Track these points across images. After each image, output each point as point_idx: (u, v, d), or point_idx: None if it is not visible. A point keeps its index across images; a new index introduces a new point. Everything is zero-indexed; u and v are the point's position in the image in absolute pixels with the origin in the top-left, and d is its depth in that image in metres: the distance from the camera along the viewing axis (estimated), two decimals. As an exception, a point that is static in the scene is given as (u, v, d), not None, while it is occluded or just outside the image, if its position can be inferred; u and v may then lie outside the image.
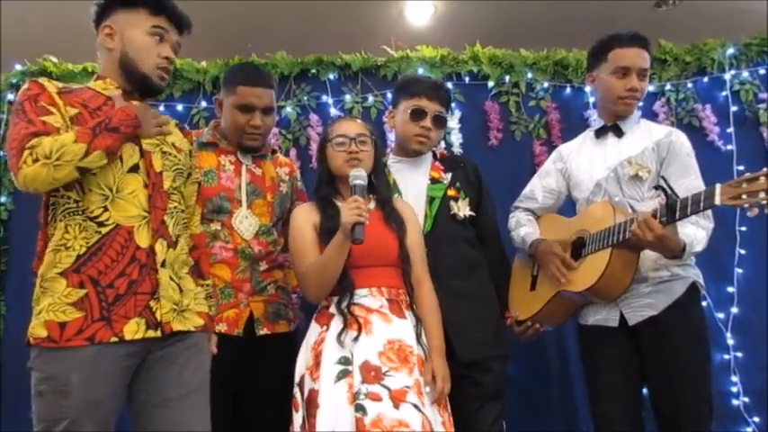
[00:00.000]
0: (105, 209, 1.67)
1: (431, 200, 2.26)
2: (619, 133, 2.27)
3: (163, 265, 1.71)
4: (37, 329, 1.62)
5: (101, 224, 1.66)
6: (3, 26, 4.05)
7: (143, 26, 1.76)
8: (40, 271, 1.68)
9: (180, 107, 3.17)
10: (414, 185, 2.30)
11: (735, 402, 2.94)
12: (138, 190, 1.71)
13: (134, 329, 1.63)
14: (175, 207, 1.81)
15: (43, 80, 1.73)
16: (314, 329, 1.94)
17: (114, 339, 1.61)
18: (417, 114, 2.27)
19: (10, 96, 3.16)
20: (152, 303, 1.67)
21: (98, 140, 1.60)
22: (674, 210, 1.88)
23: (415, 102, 2.29)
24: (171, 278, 1.73)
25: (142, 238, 1.69)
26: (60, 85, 1.75)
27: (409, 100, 2.30)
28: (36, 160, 1.57)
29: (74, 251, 1.64)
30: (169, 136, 1.84)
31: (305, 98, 3.19)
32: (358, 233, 1.79)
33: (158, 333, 1.67)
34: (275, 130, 3.10)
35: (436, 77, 3.16)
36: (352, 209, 1.80)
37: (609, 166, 2.24)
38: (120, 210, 1.68)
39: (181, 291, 1.76)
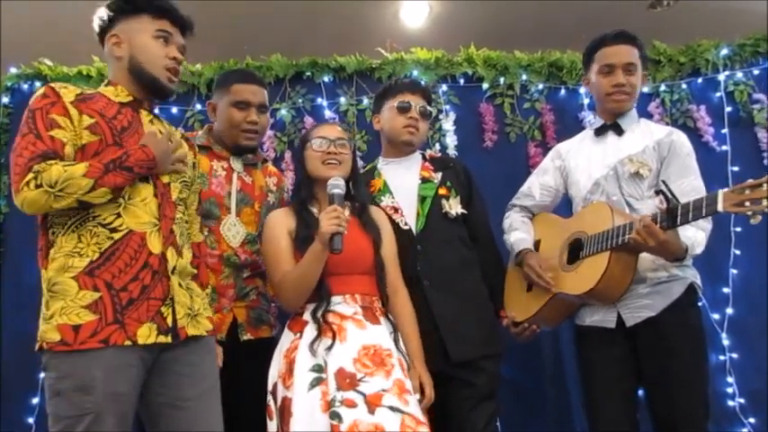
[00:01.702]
0: (118, 215, 1.68)
1: (422, 199, 2.28)
2: (619, 131, 2.28)
3: (173, 272, 1.74)
4: (49, 333, 1.60)
5: (113, 230, 1.67)
6: (-2, 29, 4.03)
7: (148, 30, 1.79)
8: (48, 275, 1.67)
9: (175, 110, 3.17)
10: (404, 185, 2.31)
11: (730, 403, 2.94)
12: (149, 198, 1.73)
13: (146, 334, 1.64)
14: (180, 218, 1.83)
15: (59, 87, 1.72)
16: (287, 337, 1.93)
17: (128, 343, 1.61)
18: (404, 108, 2.32)
19: (5, 99, 3.17)
20: (163, 309, 1.69)
21: (108, 178, 1.61)
22: (674, 215, 1.87)
23: (399, 98, 2.34)
24: (180, 285, 1.76)
25: (154, 245, 1.71)
26: (78, 90, 1.75)
27: (393, 98, 2.35)
28: (39, 186, 1.58)
29: (87, 257, 1.64)
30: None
31: (300, 101, 3.20)
32: (337, 243, 1.79)
33: (169, 339, 1.68)
34: (270, 132, 3.11)
35: (430, 79, 3.18)
36: (331, 218, 1.80)
37: (608, 165, 2.24)
38: (133, 216, 1.70)
39: (191, 297, 1.79)
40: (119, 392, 1.59)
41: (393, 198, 2.27)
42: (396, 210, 2.25)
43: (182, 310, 1.72)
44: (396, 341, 1.92)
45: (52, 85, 1.72)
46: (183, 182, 1.85)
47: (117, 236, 1.67)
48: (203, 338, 1.79)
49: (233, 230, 2.22)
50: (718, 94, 3.23)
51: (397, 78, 2.49)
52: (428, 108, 2.38)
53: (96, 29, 1.84)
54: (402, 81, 2.47)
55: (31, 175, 1.58)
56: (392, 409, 1.71)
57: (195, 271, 1.87)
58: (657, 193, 1.92)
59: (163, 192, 1.77)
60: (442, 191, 2.30)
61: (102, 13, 1.82)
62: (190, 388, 1.73)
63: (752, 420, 2.91)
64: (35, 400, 2.87)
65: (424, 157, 2.41)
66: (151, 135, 1.73)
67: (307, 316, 1.91)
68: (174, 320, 1.70)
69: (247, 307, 2.24)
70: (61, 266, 1.64)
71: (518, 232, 2.37)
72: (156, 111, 3.03)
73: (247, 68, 2.54)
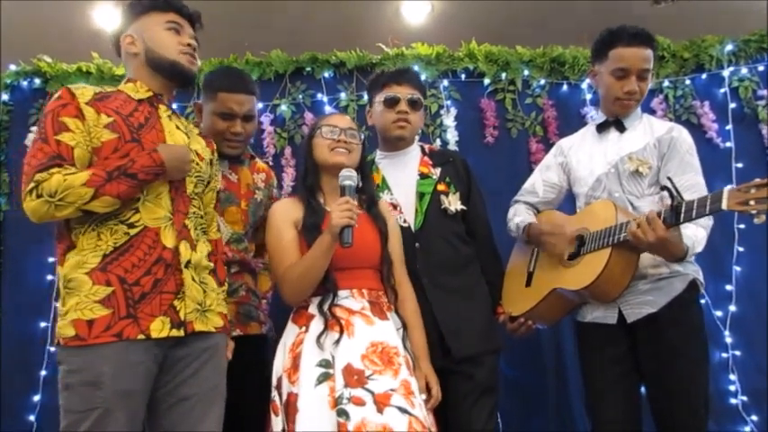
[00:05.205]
0: (137, 210, 1.71)
1: (421, 195, 2.25)
2: (621, 128, 2.25)
3: (186, 265, 1.75)
4: (64, 330, 1.64)
5: (130, 225, 1.70)
6: (-2, 26, 4.03)
7: (159, 24, 1.84)
8: (63, 272, 1.70)
9: (174, 106, 3.13)
10: (403, 181, 2.28)
11: (733, 401, 2.92)
12: (164, 193, 1.76)
13: (159, 327, 1.66)
14: (195, 212, 1.84)
15: (76, 88, 1.76)
16: (291, 330, 1.89)
17: (141, 337, 1.64)
18: (391, 102, 2.29)
19: (4, 97, 3.17)
20: (176, 303, 1.71)
21: (110, 186, 1.63)
22: (678, 212, 1.84)
23: (385, 91, 2.30)
24: (193, 279, 1.76)
25: (168, 239, 1.73)
26: (96, 89, 1.79)
27: (380, 92, 2.32)
28: (40, 196, 1.61)
29: (100, 251, 1.67)
30: (192, 143, 1.88)
31: (300, 96, 3.19)
32: (347, 236, 1.75)
33: (181, 332, 1.70)
34: (270, 128, 3.10)
35: (432, 75, 3.16)
36: (342, 210, 1.76)
37: (609, 162, 2.22)
38: (149, 212, 1.73)
39: (204, 292, 1.80)
40: (130, 390, 1.61)
41: (392, 194, 2.24)
42: (394, 207, 2.23)
43: (191, 305, 1.73)
44: (403, 338, 1.90)
45: (70, 86, 1.76)
46: (197, 176, 1.86)
47: (133, 231, 1.70)
48: (212, 337, 1.79)
49: None
50: (722, 91, 3.20)
51: (384, 69, 2.43)
52: (418, 97, 2.32)
53: (111, 38, 1.91)
54: (388, 72, 2.40)
55: (32, 185, 1.62)
56: (400, 409, 1.69)
57: (212, 265, 1.88)
58: (662, 189, 1.90)
59: (177, 186, 1.79)
60: (441, 187, 2.27)
61: (115, 20, 1.91)
62: (189, 388, 1.74)
63: (754, 418, 2.89)
64: (36, 398, 2.87)
65: (423, 151, 2.38)
66: (165, 147, 1.74)
67: (312, 309, 1.87)
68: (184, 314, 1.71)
69: (236, 303, 2.21)
70: (77, 263, 1.67)
71: (521, 216, 2.37)
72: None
73: (236, 70, 2.48)
